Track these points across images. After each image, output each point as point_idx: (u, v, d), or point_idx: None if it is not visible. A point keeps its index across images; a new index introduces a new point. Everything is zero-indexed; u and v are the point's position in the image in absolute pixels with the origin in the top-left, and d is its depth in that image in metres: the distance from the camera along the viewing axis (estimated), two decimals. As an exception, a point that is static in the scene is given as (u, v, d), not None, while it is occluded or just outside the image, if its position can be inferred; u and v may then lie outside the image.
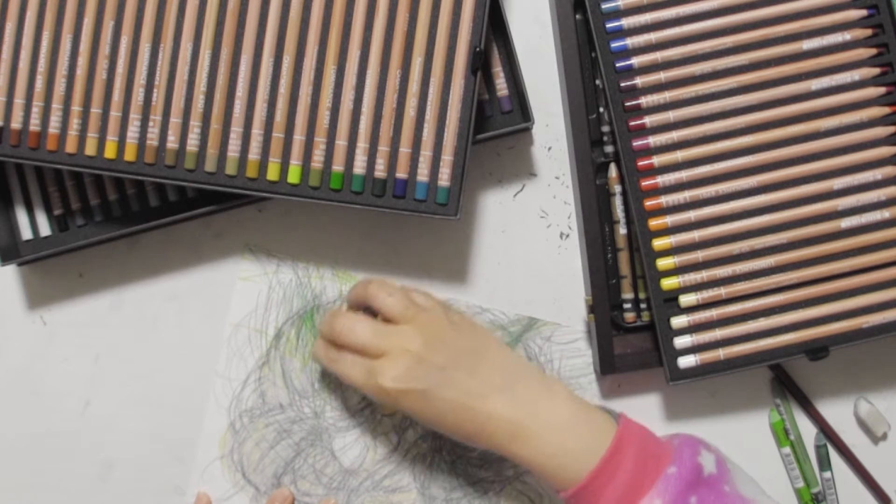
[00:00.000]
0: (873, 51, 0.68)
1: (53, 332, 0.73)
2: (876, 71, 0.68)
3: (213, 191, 0.68)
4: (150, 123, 0.66)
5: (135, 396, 0.73)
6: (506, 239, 0.73)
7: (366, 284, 0.67)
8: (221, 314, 0.73)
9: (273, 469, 0.73)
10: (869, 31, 0.68)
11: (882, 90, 0.68)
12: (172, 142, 0.66)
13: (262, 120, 0.66)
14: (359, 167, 0.66)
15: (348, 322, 0.65)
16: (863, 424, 0.72)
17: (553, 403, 0.63)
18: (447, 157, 0.66)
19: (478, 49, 0.65)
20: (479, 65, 0.65)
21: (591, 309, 0.69)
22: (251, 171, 0.66)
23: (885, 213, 0.67)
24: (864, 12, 0.68)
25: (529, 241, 0.73)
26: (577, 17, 0.70)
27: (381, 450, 0.73)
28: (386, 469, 0.73)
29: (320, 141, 0.66)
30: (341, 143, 0.66)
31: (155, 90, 0.66)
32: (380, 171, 0.66)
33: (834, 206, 0.67)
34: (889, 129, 0.67)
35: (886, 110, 0.67)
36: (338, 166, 0.66)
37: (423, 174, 0.66)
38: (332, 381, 0.73)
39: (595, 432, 0.62)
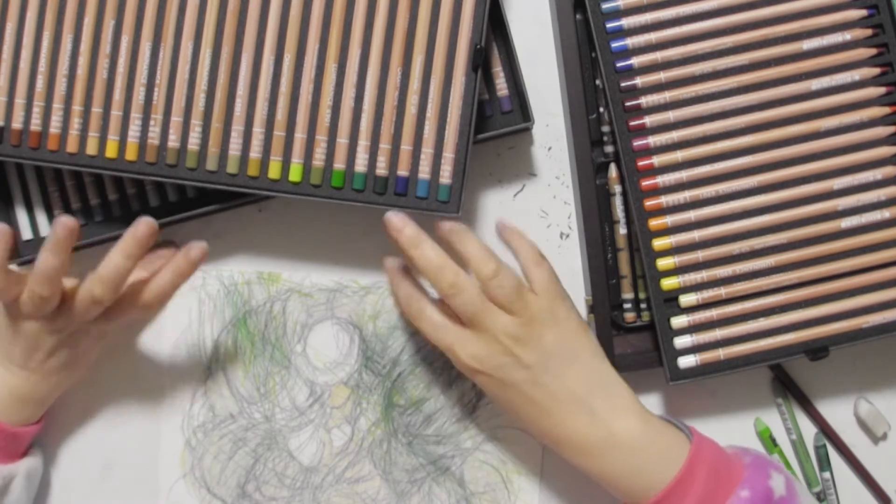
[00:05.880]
0: (873, 51, 0.68)
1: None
2: (876, 71, 0.68)
3: (213, 190, 0.68)
4: (152, 122, 0.66)
5: (135, 396, 0.73)
6: (506, 239, 0.73)
7: (480, 261, 0.62)
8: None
9: (235, 479, 0.73)
10: (869, 31, 0.68)
11: (882, 90, 0.68)
12: (174, 141, 0.66)
13: (264, 118, 0.66)
14: (360, 165, 0.66)
15: (458, 282, 0.62)
16: (863, 424, 0.72)
17: (627, 423, 0.62)
18: (448, 155, 0.66)
19: (478, 46, 0.65)
20: (480, 62, 0.65)
21: (591, 309, 0.69)
22: (252, 170, 0.66)
23: (885, 213, 0.67)
24: (864, 12, 0.68)
25: (529, 241, 0.73)
26: (577, 17, 0.70)
27: (336, 443, 0.73)
28: (345, 461, 0.73)
29: (321, 139, 0.66)
30: (342, 140, 0.66)
31: (156, 89, 0.66)
32: (381, 168, 0.66)
33: (834, 206, 0.67)
34: (889, 129, 0.67)
35: (886, 110, 0.67)
36: (339, 164, 0.66)
37: (424, 172, 0.66)
38: (276, 383, 0.73)
39: (667, 452, 0.61)
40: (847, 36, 0.68)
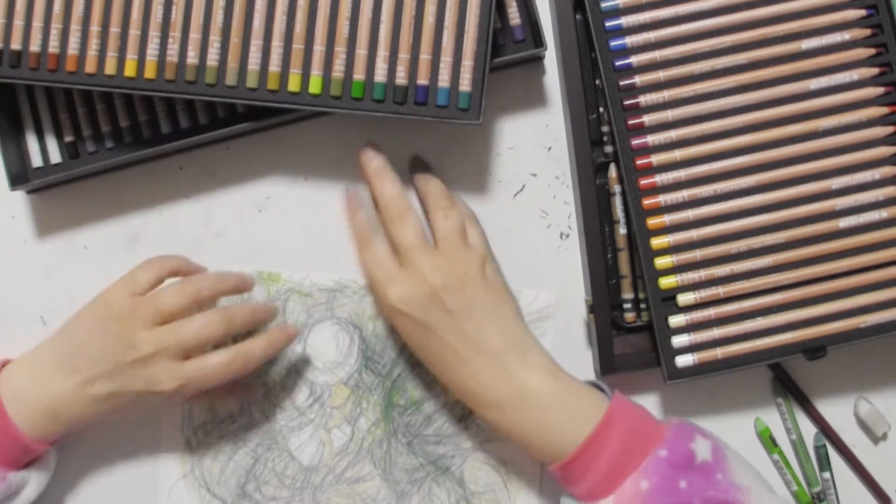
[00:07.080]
0: (872, 51, 0.68)
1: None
2: (875, 71, 0.68)
3: (232, 107, 0.69)
4: (170, 40, 0.66)
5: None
6: (506, 239, 0.73)
7: (437, 195, 0.67)
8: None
9: (235, 479, 0.73)
10: (868, 31, 0.68)
11: (881, 90, 0.68)
12: (192, 57, 0.66)
13: (282, 31, 0.66)
14: (380, 75, 0.66)
15: (407, 212, 0.66)
16: (863, 424, 0.72)
17: (538, 379, 0.63)
18: (467, 63, 0.66)
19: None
20: (496, -33, 0.65)
21: (591, 309, 0.69)
22: (272, 84, 0.66)
23: (884, 213, 0.67)
24: (863, 12, 0.68)
25: (529, 241, 0.73)
26: (577, 17, 0.70)
27: (336, 443, 0.73)
28: (345, 461, 0.73)
29: (340, 50, 0.66)
30: (361, 51, 0.66)
31: (174, 7, 0.66)
32: (401, 78, 0.66)
33: (832, 205, 0.67)
34: (887, 129, 0.67)
35: (885, 110, 0.67)
36: (359, 75, 0.66)
37: (444, 80, 0.66)
38: (277, 383, 0.73)
39: (580, 412, 0.62)
40: (846, 36, 0.68)
